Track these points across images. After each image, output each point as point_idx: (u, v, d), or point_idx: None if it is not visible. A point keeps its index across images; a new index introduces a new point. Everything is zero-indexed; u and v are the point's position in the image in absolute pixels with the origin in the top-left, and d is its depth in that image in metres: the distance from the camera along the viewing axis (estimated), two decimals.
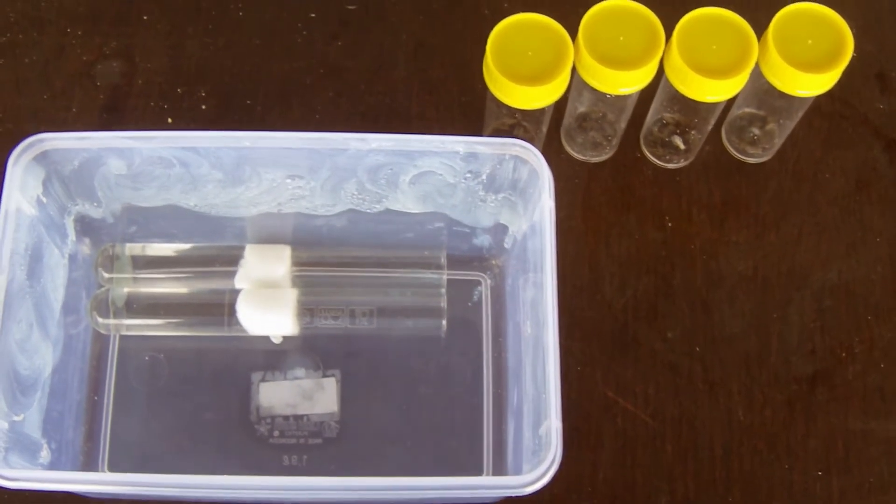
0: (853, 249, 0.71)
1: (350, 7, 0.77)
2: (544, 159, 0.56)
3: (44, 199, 0.59)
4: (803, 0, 0.62)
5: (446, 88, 0.74)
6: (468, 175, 0.59)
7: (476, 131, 0.72)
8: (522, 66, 0.60)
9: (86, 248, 0.66)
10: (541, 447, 0.53)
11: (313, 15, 0.77)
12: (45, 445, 0.59)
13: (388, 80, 0.75)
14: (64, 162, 0.58)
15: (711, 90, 0.61)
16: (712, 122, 0.68)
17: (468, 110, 0.73)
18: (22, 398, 0.56)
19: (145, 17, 0.76)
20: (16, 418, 0.55)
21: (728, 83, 0.61)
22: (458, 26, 0.77)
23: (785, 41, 0.61)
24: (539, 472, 0.51)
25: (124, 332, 0.66)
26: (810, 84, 0.62)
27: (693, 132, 0.70)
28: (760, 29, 0.62)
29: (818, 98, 0.64)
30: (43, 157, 0.57)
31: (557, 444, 0.51)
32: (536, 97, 0.60)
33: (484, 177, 0.59)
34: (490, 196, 0.62)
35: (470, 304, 0.67)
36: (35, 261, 0.58)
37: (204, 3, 0.77)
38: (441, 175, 0.59)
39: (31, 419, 0.57)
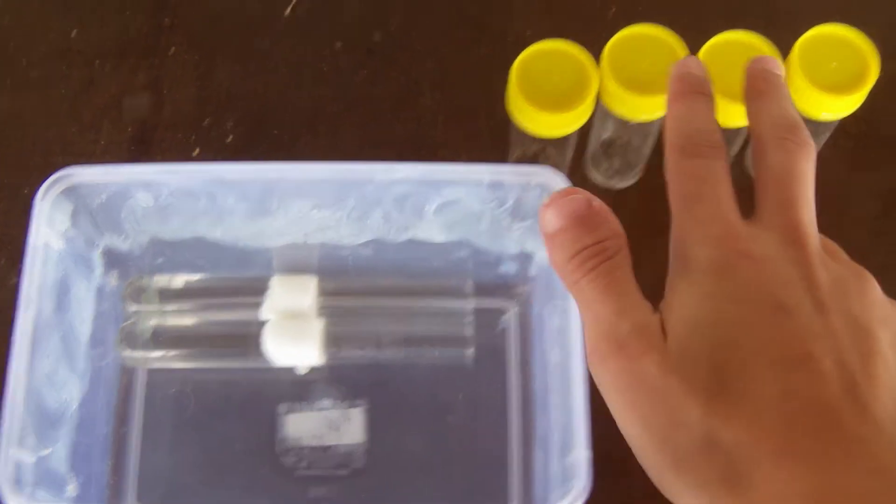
0: (884, 272, 0.69)
1: (376, 37, 0.77)
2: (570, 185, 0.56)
3: (71, 233, 0.59)
4: (830, 21, 0.62)
5: (472, 116, 0.74)
6: (494, 203, 0.59)
7: (502, 158, 0.71)
8: (546, 93, 0.60)
9: (113, 281, 0.66)
10: (569, 477, 0.52)
11: (339, 44, 0.77)
12: (73, 480, 0.59)
13: (415, 108, 0.75)
14: (92, 196, 0.59)
15: (732, 116, 0.60)
16: (737, 146, 0.67)
17: (494, 137, 0.73)
18: (49, 432, 0.56)
19: (172, 49, 0.77)
20: (43, 452, 0.55)
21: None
22: (483, 54, 0.76)
23: (809, 65, 0.61)
24: (566, 502, 0.50)
25: (151, 365, 0.66)
26: (835, 107, 0.61)
27: None
28: (787, 51, 0.61)
29: (843, 119, 0.64)
30: (71, 192, 0.58)
31: (586, 474, 0.51)
32: (560, 125, 0.60)
33: (510, 204, 0.59)
34: (516, 224, 0.61)
35: (496, 332, 0.67)
36: (62, 294, 0.58)
37: (231, 35, 0.77)
38: (466, 204, 0.59)
39: (59, 453, 0.58)
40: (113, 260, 0.65)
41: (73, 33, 0.78)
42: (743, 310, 0.37)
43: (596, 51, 0.61)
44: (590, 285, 0.39)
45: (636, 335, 0.37)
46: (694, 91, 0.45)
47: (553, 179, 0.57)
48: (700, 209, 0.40)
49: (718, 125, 0.43)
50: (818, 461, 0.34)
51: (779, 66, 0.47)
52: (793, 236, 0.39)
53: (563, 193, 0.41)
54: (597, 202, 0.40)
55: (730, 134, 0.66)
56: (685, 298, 0.38)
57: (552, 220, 0.40)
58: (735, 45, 0.61)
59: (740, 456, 0.34)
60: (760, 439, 0.34)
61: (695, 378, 0.36)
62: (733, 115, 0.60)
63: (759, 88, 0.46)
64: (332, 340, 0.64)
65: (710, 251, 0.39)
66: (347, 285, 0.66)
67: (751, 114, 0.45)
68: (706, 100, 0.45)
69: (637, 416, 0.37)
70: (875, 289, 0.40)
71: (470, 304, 0.65)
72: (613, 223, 0.40)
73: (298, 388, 0.65)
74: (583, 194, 0.40)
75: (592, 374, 0.39)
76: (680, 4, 0.78)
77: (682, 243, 0.40)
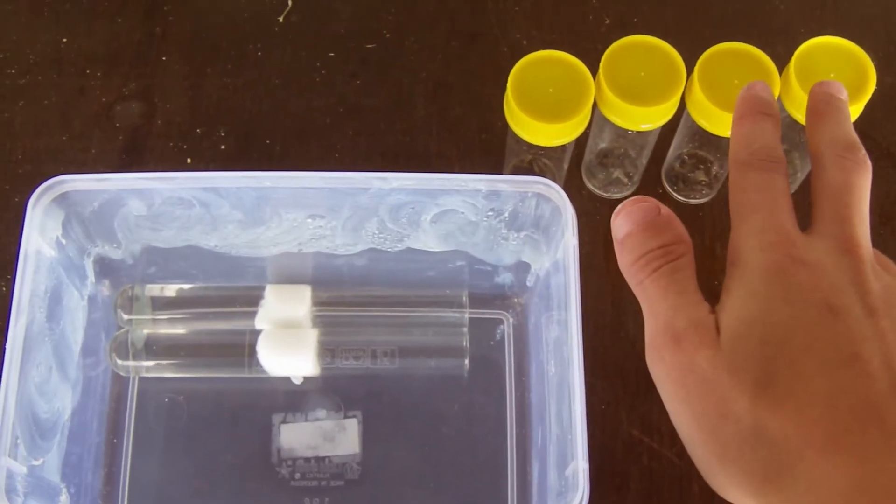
0: None
1: (369, 46, 0.77)
2: (567, 197, 0.56)
3: (63, 241, 0.59)
4: (824, 34, 0.62)
5: (465, 126, 0.74)
6: (490, 213, 0.59)
7: (495, 169, 0.71)
8: (543, 103, 0.60)
9: (105, 290, 0.65)
10: (567, 489, 0.52)
11: (332, 54, 0.77)
12: (65, 489, 0.58)
13: (408, 119, 0.74)
14: (84, 203, 0.58)
15: (725, 125, 0.60)
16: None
17: (488, 148, 0.73)
18: (41, 442, 0.56)
19: (164, 58, 0.76)
20: (35, 463, 0.55)
21: None
22: (477, 64, 0.76)
23: (807, 75, 0.61)
24: None
25: (144, 374, 0.65)
26: None
27: (715, 167, 0.69)
28: (781, 63, 0.62)
29: None
30: (63, 199, 0.57)
31: (585, 486, 0.50)
32: (557, 134, 0.60)
33: (506, 215, 0.59)
34: (512, 234, 0.61)
35: (492, 342, 0.67)
36: (54, 303, 0.58)
37: (223, 44, 0.77)
38: (463, 213, 0.59)
39: (51, 463, 0.57)
40: (105, 268, 0.64)
41: (63, 42, 0.77)
42: (794, 310, 0.38)
43: (590, 62, 0.61)
44: (652, 285, 0.41)
45: (692, 330, 0.39)
46: (759, 111, 0.46)
47: (549, 190, 0.56)
48: (758, 218, 0.42)
49: (780, 143, 0.45)
50: (861, 454, 0.35)
51: (842, 91, 0.48)
52: (846, 246, 0.41)
53: (633, 201, 0.43)
54: (665, 209, 0.42)
55: (726, 143, 0.66)
56: (738, 299, 0.40)
57: (622, 225, 0.43)
58: (731, 55, 0.61)
59: (785, 448, 0.36)
60: (806, 432, 0.36)
61: (744, 372, 0.37)
62: (726, 124, 0.60)
63: (820, 110, 0.47)
64: (327, 350, 0.64)
65: (764, 255, 0.40)
66: (342, 295, 0.66)
67: (811, 133, 0.47)
68: (770, 120, 0.46)
69: (688, 408, 0.39)
70: None
71: (466, 315, 0.65)
72: (679, 229, 0.42)
73: (293, 399, 0.65)
74: (651, 202, 0.43)
75: (649, 367, 0.40)
76: (674, 16, 0.78)
77: (738, 250, 0.42)
